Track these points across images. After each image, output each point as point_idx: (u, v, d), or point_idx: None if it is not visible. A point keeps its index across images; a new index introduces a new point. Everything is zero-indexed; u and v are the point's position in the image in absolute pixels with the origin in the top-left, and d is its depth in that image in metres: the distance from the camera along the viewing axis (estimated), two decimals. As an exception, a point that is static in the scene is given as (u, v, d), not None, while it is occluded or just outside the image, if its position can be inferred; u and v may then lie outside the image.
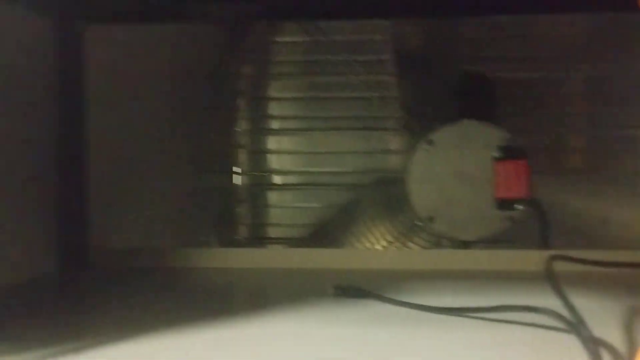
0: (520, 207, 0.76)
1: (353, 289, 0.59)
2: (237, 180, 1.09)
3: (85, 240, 0.77)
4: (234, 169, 1.09)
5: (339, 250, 0.88)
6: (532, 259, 0.66)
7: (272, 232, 1.08)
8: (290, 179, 1.08)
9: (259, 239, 1.09)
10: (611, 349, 0.40)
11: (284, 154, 1.08)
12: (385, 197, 0.94)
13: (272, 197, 1.10)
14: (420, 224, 0.83)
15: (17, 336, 0.48)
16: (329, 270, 0.72)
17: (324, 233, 0.98)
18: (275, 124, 1.09)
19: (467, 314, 0.50)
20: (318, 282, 0.66)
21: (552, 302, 0.47)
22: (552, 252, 0.60)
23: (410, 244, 0.91)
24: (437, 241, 0.85)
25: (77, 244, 0.76)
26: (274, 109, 1.08)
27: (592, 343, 0.39)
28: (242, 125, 1.09)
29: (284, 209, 1.08)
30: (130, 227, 0.83)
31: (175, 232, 0.95)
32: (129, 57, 0.83)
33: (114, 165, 0.81)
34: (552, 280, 0.49)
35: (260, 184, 1.08)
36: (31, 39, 0.70)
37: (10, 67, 0.65)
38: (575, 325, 0.42)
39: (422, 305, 0.51)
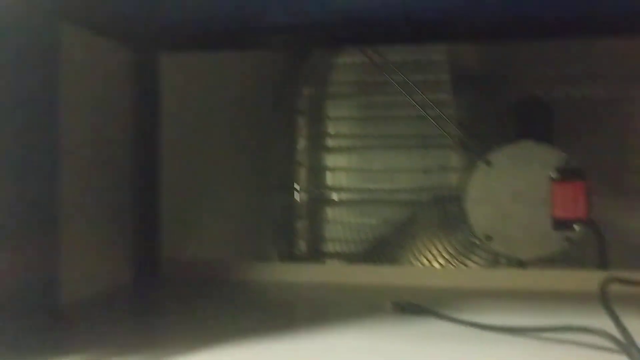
0: (578, 227, 0.77)
1: (411, 305, 0.61)
2: (297, 196, 1.12)
3: (158, 252, 0.82)
4: (294, 185, 1.12)
5: (397, 267, 0.90)
6: (589, 279, 0.66)
7: (330, 248, 1.11)
8: (348, 196, 1.11)
9: (316, 254, 1.12)
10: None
11: (342, 171, 1.11)
12: (443, 215, 0.95)
13: (330, 213, 1.13)
14: (477, 242, 0.84)
15: (99, 345, 0.52)
16: (387, 287, 0.74)
17: (381, 249, 1.00)
18: (334, 142, 1.12)
19: (522, 333, 0.51)
20: (376, 298, 0.68)
21: (606, 323, 0.48)
22: (609, 273, 0.61)
23: (468, 262, 0.92)
24: (495, 259, 0.86)
25: (150, 255, 0.82)
26: (332, 127, 1.12)
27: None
28: (302, 144, 1.12)
29: (342, 224, 1.10)
30: (198, 240, 0.88)
31: (238, 245, 1.00)
32: (199, 81, 0.89)
33: (184, 182, 0.87)
34: (606, 302, 0.50)
35: (318, 200, 1.12)
36: (112, 65, 0.76)
37: (94, 89, 0.71)
38: (627, 347, 0.43)
39: (478, 324, 0.53)
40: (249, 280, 0.80)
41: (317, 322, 0.60)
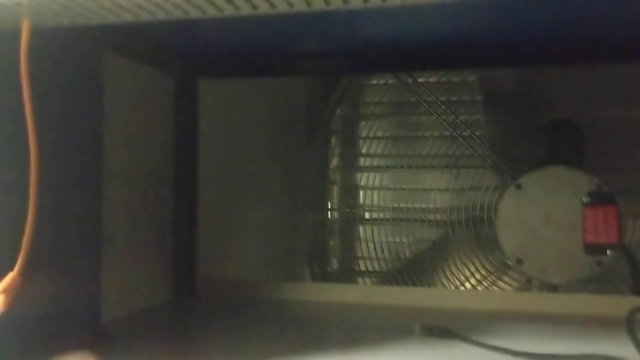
0: (610, 252, 0.77)
1: (439, 329, 0.62)
2: (330, 215, 1.14)
3: (194, 272, 0.85)
4: (327, 204, 1.14)
5: (427, 290, 0.91)
6: (620, 304, 0.67)
7: (362, 266, 1.12)
8: (381, 215, 1.12)
9: (349, 272, 1.13)
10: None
11: (374, 190, 1.12)
12: (476, 235, 0.96)
13: (363, 231, 1.14)
14: (510, 264, 0.85)
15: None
16: (418, 309, 0.75)
17: (414, 268, 1.01)
18: (366, 162, 1.13)
19: (549, 360, 0.52)
20: (406, 320, 0.70)
21: (632, 351, 0.48)
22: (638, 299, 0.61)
23: (501, 283, 0.92)
24: (528, 281, 0.86)
25: (187, 275, 0.84)
26: (365, 147, 1.13)
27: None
28: (335, 163, 1.14)
29: (374, 243, 1.11)
30: (234, 260, 0.91)
31: (272, 264, 1.02)
32: (236, 104, 0.91)
33: (221, 203, 0.89)
34: (631, 330, 0.50)
35: (351, 218, 1.13)
36: (153, 90, 0.79)
37: (135, 114, 0.74)
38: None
39: (504, 349, 0.54)
40: (282, 300, 0.81)
41: (347, 343, 0.62)
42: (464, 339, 0.58)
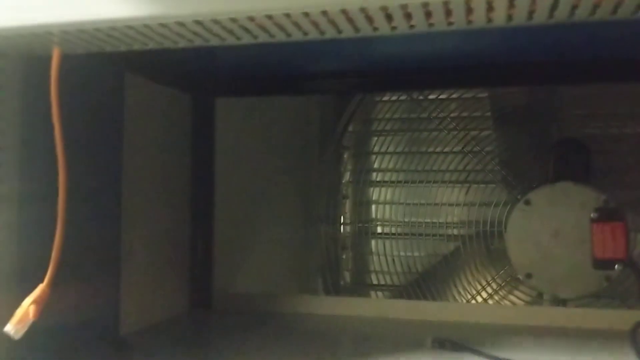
0: (618, 267, 0.78)
1: (451, 342, 0.64)
2: (342, 229, 1.16)
3: (210, 286, 0.87)
4: (340, 218, 1.16)
5: (439, 303, 0.92)
6: (629, 318, 0.68)
7: (375, 280, 1.14)
8: (393, 229, 1.14)
9: (361, 286, 1.15)
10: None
11: (386, 204, 1.14)
12: (486, 249, 0.97)
13: (375, 245, 1.15)
14: (521, 279, 0.86)
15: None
16: (429, 323, 0.77)
17: (425, 282, 1.02)
18: (378, 177, 1.15)
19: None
20: (418, 334, 0.71)
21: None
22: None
23: (512, 297, 0.93)
24: (539, 295, 0.87)
25: (203, 289, 0.86)
26: (377, 162, 1.15)
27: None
28: (347, 178, 1.16)
29: (386, 257, 1.13)
30: (248, 273, 0.93)
31: (286, 278, 1.04)
32: (251, 121, 0.94)
33: (236, 217, 0.91)
34: (635, 345, 0.51)
35: (363, 233, 1.15)
36: (171, 109, 0.82)
37: (154, 131, 0.77)
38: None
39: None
40: (296, 313, 0.83)
41: (360, 355, 0.63)
42: (475, 352, 0.60)
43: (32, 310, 0.45)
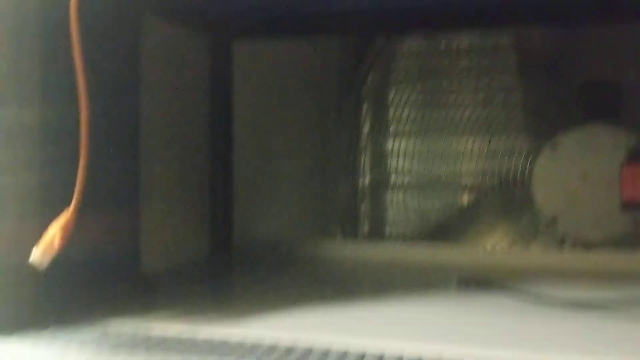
0: (647, 210, 0.77)
1: (476, 281, 0.63)
2: (361, 180, 1.15)
3: (230, 231, 0.87)
4: (358, 169, 1.15)
5: (461, 246, 0.92)
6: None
7: (393, 230, 1.13)
8: (412, 180, 1.12)
9: (379, 237, 1.14)
10: None
11: (406, 155, 1.12)
12: (508, 199, 0.96)
13: (393, 196, 1.14)
14: (544, 225, 0.85)
15: (177, 308, 0.56)
16: (451, 266, 0.76)
17: (444, 232, 1.01)
18: (398, 127, 1.13)
19: (592, 308, 0.52)
20: (441, 275, 0.70)
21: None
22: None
23: (532, 247, 0.92)
24: (560, 245, 0.86)
25: (223, 233, 0.86)
26: (397, 112, 1.13)
27: None
28: (367, 128, 1.14)
29: (405, 208, 1.12)
30: (268, 218, 0.92)
31: (305, 225, 1.03)
32: (269, 65, 0.92)
33: (255, 163, 0.91)
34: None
35: (382, 184, 1.13)
36: (188, 51, 0.80)
37: (171, 73, 0.76)
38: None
39: (548, 297, 0.54)
40: (316, 258, 0.83)
41: (382, 297, 0.62)
42: (504, 288, 0.59)
43: (57, 239, 0.44)
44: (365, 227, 1.15)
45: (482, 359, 0.41)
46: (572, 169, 0.81)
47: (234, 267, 0.81)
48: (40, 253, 0.44)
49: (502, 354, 0.42)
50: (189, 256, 0.79)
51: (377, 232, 1.14)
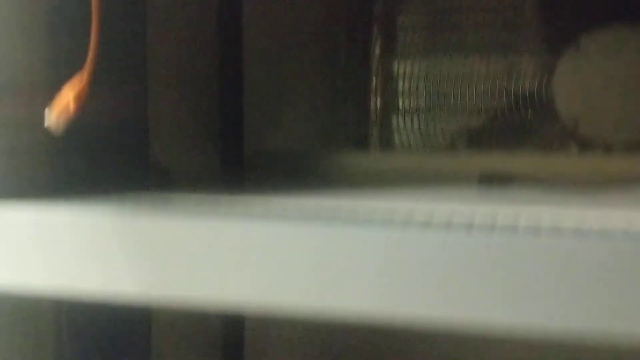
0: (672, 111, 0.74)
1: (500, 176, 0.61)
2: (371, 103, 1.12)
3: (241, 144, 0.85)
4: (368, 92, 1.12)
5: (479, 153, 0.90)
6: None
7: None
8: (423, 102, 1.10)
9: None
10: None
11: (417, 78, 1.10)
12: (522, 120, 0.94)
13: (404, 120, 1.12)
14: (565, 129, 0.83)
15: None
16: (469, 174, 0.74)
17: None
18: (408, 49, 1.10)
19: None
20: (461, 177, 0.69)
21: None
22: None
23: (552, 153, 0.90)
24: (581, 148, 0.84)
25: (234, 147, 0.84)
26: (407, 34, 1.10)
27: None
28: (377, 51, 1.11)
29: (418, 131, 1.10)
30: (278, 133, 0.91)
31: (316, 141, 1.02)
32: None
33: (265, 78, 0.89)
34: None
35: (393, 106, 1.11)
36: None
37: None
38: None
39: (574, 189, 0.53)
40: (329, 170, 0.81)
41: (401, 196, 0.61)
42: (529, 184, 0.57)
43: (72, 103, 0.42)
44: (376, 153, 1.13)
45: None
46: (595, 72, 0.78)
47: (245, 179, 0.80)
48: (56, 116, 0.42)
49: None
50: (199, 161, 0.77)
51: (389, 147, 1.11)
